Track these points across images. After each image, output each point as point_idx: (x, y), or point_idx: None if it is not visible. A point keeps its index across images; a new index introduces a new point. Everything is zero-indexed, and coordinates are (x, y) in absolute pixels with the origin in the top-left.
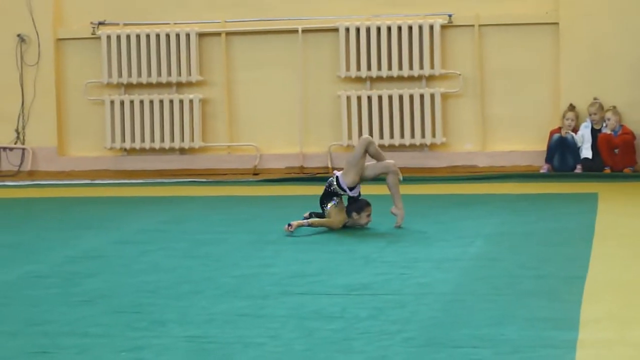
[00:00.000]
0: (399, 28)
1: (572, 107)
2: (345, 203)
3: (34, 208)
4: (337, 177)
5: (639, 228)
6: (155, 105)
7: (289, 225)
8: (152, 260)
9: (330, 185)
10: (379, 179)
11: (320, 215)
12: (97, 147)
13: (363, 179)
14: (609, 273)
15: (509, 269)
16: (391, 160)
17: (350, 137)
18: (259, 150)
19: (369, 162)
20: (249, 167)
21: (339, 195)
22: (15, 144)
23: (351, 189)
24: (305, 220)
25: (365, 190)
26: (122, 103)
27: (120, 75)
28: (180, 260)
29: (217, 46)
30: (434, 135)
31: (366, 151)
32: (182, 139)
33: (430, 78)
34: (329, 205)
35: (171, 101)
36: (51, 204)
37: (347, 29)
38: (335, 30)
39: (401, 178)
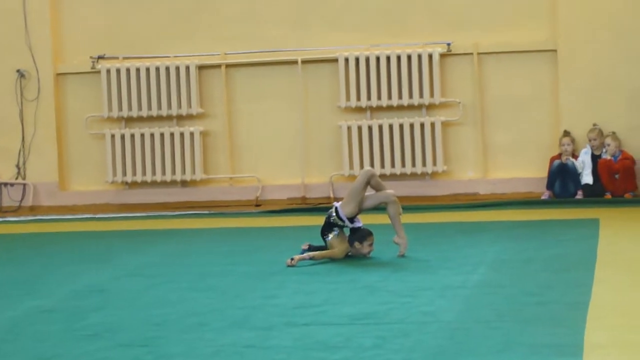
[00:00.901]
0: (398, 57)
1: (566, 133)
2: (347, 233)
3: (37, 243)
4: (336, 208)
5: None
6: (156, 138)
7: (291, 259)
8: (156, 294)
9: (330, 216)
10: (379, 208)
11: (321, 247)
12: (99, 181)
13: (362, 210)
14: (612, 298)
15: (512, 295)
16: (391, 190)
17: (351, 167)
18: (261, 182)
19: (369, 192)
20: (251, 198)
21: (339, 226)
22: (16, 179)
23: (350, 219)
24: (306, 254)
25: (366, 220)
26: (122, 137)
27: (120, 109)
28: (185, 293)
29: (217, 78)
30: (435, 164)
31: (368, 183)
32: (184, 172)
33: (430, 107)
34: (330, 236)
35: (172, 134)
36: (54, 239)
37: (347, 59)
38: (335, 60)
39: (401, 211)
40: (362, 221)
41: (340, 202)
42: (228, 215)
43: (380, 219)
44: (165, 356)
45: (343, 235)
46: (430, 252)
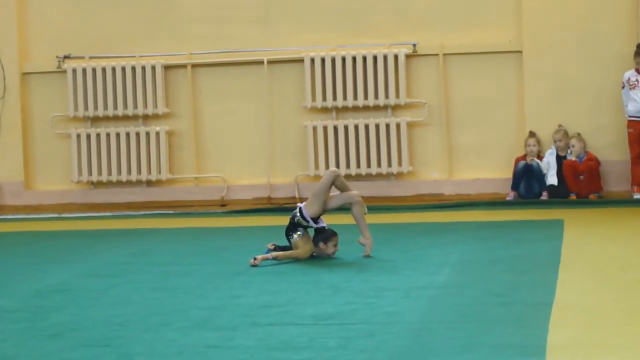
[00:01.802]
0: (364, 58)
1: (532, 134)
2: (311, 234)
3: (1, 243)
4: (300, 208)
5: (605, 254)
6: (121, 137)
7: (254, 258)
8: (120, 293)
9: (294, 216)
10: (344, 208)
11: (286, 248)
12: (64, 180)
13: (327, 210)
14: (576, 299)
15: (476, 296)
16: (355, 191)
17: (317, 167)
18: (226, 182)
19: (334, 192)
20: (216, 198)
21: (303, 227)
22: None
23: (314, 220)
24: (269, 254)
25: (331, 220)
26: (88, 136)
27: (86, 108)
28: (149, 293)
29: (182, 78)
30: (400, 164)
31: (332, 183)
32: (149, 172)
33: (396, 107)
34: (295, 236)
35: (138, 134)
36: (18, 239)
37: (312, 60)
38: (301, 61)
39: (366, 210)
40: (325, 222)
41: (304, 203)
42: (193, 215)
43: (345, 219)
44: (127, 356)
45: (307, 236)
46: (395, 252)
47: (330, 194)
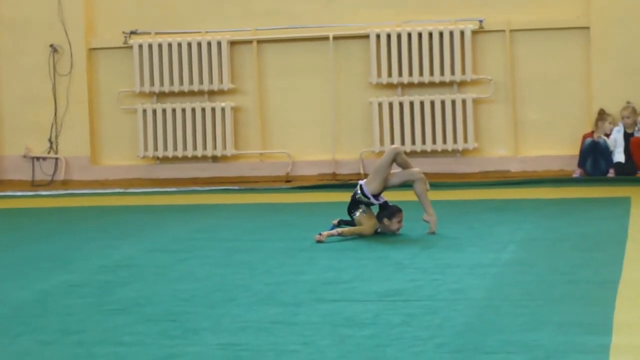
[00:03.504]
0: (430, 34)
1: (605, 112)
2: (375, 210)
3: (68, 217)
4: (360, 185)
5: None
6: (187, 113)
7: (320, 234)
8: (185, 269)
9: (355, 194)
10: (407, 185)
11: (350, 223)
12: (130, 155)
13: (388, 187)
14: None
15: (542, 274)
16: (417, 168)
17: (382, 143)
18: (292, 158)
19: (395, 169)
20: (281, 174)
21: (365, 204)
22: (48, 153)
23: (375, 197)
24: (335, 230)
25: (395, 197)
26: (154, 112)
27: (152, 84)
28: (214, 268)
29: (248, 54)
30: (465, 141)
31: (394, 160)
32: (215, 147)
33: (462, 84)
34: (357, 213)
35: (203, 109)
36: (84, 213)
37: (378, 36)
38: (366, 36)
39: (428, 187)
40: (390, 199)
41: (364, 180)
42: (258, 190)
43: (409, 196)
44: (192, 331)
45: (370, 212)
46: (460, 229)
47: (392, 171)
